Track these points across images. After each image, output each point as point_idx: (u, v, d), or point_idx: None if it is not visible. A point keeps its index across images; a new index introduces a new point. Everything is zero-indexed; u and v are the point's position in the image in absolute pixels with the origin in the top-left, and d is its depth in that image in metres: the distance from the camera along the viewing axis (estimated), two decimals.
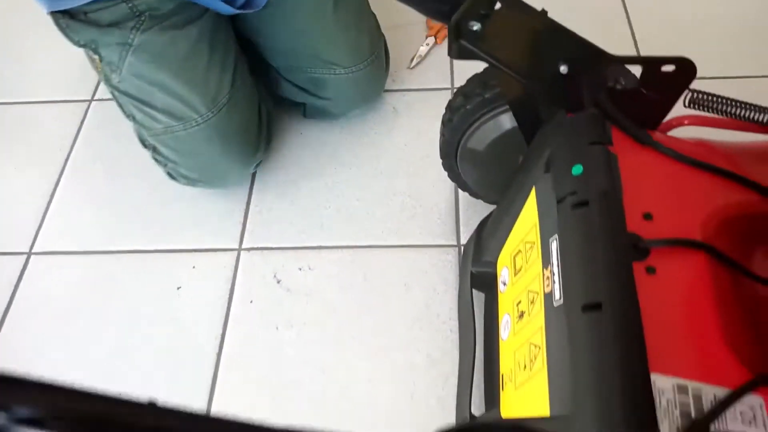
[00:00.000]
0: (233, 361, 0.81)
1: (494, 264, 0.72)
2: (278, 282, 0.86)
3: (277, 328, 0.82)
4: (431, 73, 1.08)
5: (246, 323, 0.83)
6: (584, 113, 0.62)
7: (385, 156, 0.98)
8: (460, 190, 0.91)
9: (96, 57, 0.82)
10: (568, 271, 0.54)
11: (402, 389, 0.76)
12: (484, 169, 0.80)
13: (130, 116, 0.87)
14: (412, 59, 1.09)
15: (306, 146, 1.00)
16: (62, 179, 1.00)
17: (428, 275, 0.85)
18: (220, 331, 0.83)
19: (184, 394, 0.78)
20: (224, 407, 0.77)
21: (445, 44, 1.13)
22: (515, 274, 0.66)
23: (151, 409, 0.28)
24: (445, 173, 0.86)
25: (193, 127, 0.84)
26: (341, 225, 0.91)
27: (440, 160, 0.84)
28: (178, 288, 0.87)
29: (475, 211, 0.90)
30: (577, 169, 0.58)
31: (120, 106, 0.88)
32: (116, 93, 0.85)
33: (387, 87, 1.04)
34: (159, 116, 0.83)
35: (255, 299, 0.85)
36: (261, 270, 0.88)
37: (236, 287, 0.86)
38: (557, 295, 0.55)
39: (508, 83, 0.67)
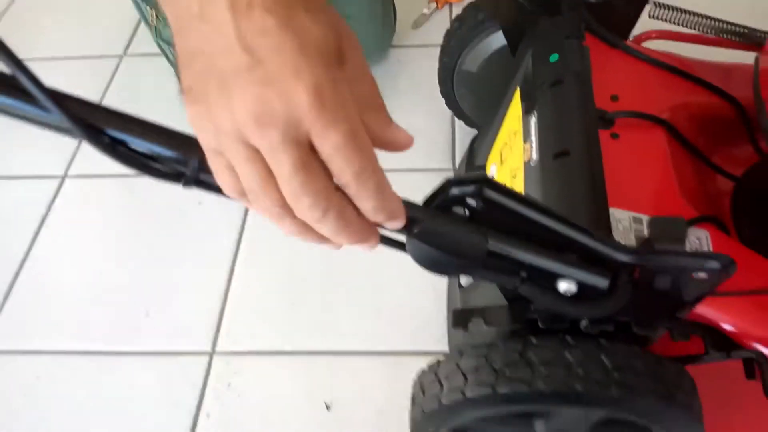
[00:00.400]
0: (250, 259, 0.90)
1: (484, 167, 0.81)
2: None
3: None
4: (432, 32, 1.19)
5: (260, 229, 0.92)
6: (561, 16, 0.71)
7: (390, 98, 1.06)
8: (456, 121, 1.01)
9: (153, 11, 0.92)
10: (543, 135, 0.63)
11: (402, 275, 0.85)
12: (478, 91, 0.89)
13: None
14: (416, 21, 1.20)
15: None
16: None
17: (427, 191, 0.94)
18: (237, 237, 0.92)
19: (206, 278, 0.88)
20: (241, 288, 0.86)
21: (445, 9, 1.25)
22: (501, 164, 0.75)
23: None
24: (444, 109, 0.96)
25: None
26: None
27: (438, 101, 0.94)
28: (200, 203, 0.96)
29: (469, 139, 0.99)
30: (554, 57, 0.67)
31: (168, 58, 0.98)
32: (167, 45, 0.95)
33: (393, 43, 1.15)
34: None
35: None
36: None
37: None
38: (534, 157, 0.64)
39: (497, 2, 0.77)
